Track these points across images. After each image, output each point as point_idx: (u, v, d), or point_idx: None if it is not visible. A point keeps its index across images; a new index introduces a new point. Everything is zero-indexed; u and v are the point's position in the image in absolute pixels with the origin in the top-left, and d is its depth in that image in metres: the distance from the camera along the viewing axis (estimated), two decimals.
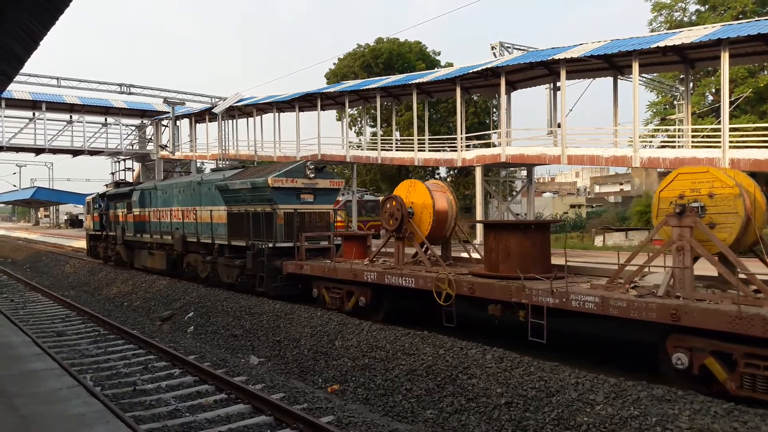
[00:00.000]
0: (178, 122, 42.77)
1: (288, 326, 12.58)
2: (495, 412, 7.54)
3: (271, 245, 15.26)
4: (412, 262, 13.45)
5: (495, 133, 25.77)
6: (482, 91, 28.34)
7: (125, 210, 24.85)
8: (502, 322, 10.34)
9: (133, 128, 48.36)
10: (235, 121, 37.81)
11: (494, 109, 31.62)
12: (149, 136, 47.35)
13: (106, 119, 45.69)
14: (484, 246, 11.18)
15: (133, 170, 49.92)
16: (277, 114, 34.37)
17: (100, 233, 28.08)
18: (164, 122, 44.15)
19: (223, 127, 35.75)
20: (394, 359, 9.70)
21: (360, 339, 10.81)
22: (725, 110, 18.07)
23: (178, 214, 20.64)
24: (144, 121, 47.78)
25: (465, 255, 13.88)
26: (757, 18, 22.54)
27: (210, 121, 39.52)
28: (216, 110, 34.97)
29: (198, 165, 42.91)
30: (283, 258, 15.16)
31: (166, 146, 42.48)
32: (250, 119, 36.33)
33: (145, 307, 17.70)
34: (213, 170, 21.50)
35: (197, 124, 41.74)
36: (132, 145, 47.60)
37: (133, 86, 42.10)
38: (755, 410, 6.44)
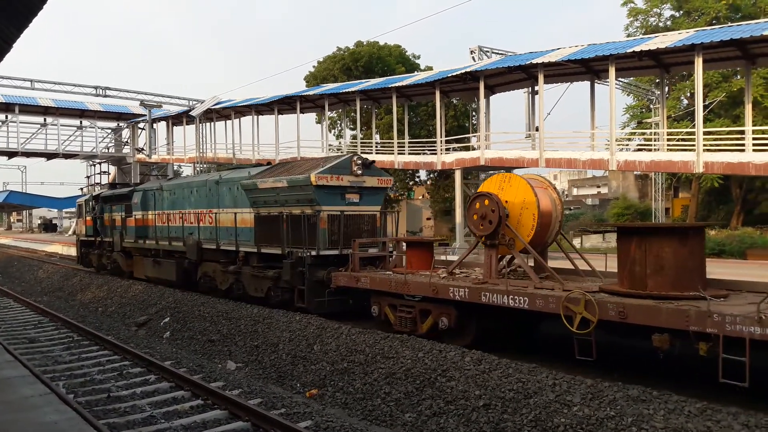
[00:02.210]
0: (154, 125, 42.33)
1: (266, 331, 12.47)
2: (473, 415, 7.54)
3: (313, 253, 13.29)
4: (502, 274, 11.14)
5: (474, 136, 25.91)
6: (461, 94, 28.50)
7: (123, 213, 22.53)
8: (667, 354, 7.94)
9: (109, 131, 47.74)
10: (213, 123, 37.55)
11: (473, 113, 31.81)
12: (125, 139, 46.78)
13: (81, 122, 45.01)
14: (620, 256, 9.00)
15: (109, 173, 49.24)
16: (255, 117, 34.19)
17: (93, 239, 25.36)
18: (141, 125, 43.66)
19: (200, 130, 35.42)
20: (373, 363, 9.66)
21: (339, 343, 10.75)
22: (699, 114, 18.38)
23: (190, 218, 18.43)
24: (120, 124, 47.18)
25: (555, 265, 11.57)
26: (729, 24, 22.97)
27: (187, 123, 39.16)
28: (194, 113, 34.62)
29: (175, 168, 42.48)
30: (328, 268, 13.25)
31: (142, 149, 42.02)
32: (228, 122, 36.09)
33: (120, 313, 17.44)
34: (231, 168, 19.45)
35: (174, 127, 41.34)
36: (108, 149, 46.99)
37: (109, 89, 41.56)
38: (728, 409, 6.53)
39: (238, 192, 16.02)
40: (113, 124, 47.69)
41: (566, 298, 8.59)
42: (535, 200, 10.55)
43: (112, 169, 49.11)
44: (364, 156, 14.74)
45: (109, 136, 47.76)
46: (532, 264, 10.97)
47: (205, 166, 35.41)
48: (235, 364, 11.48)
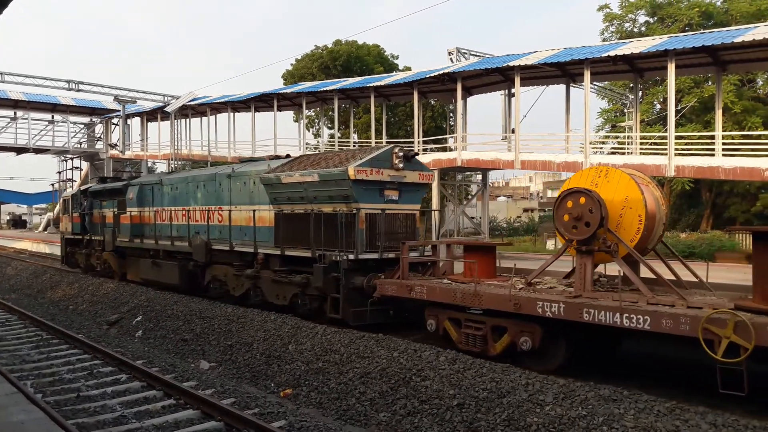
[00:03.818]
0: (128, 121, 41.71)
1: (240, 330, 12.37)
2: (447, 414, 7.57)
3: (351, 257, 11.93)
4: (598, 286, 9.71)
5: (451, 137, 26.03)
6: (439, 95, 28.61)
7: (116, 209, 20.82)
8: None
9: (82, 126, 46.92)
10: (188, 120, 37.11)
11: (451, 114, 31.96)
12: (98, 135, 46.01)
13: (53, 116, 44.19)
14: (757, 266, 7.68)
15: (81, 169, 48.40)
16: (232, 114, 33.88)
17: (80, 237, 23.26)
18: (114, 120, 42.98)
19: (175, 127, 35.01)
20: (348, 362, 9.65)
21: (314, 342, 10.71)
22: (671, 119, 18.73)
23: (196, 215, 16.85)
24: (93, 119, 46.41)
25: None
26: (702, 31, 23.45)
27: (162, 120, 38.68)
28: (169, 109, 34.25)
29: (149, 165, 41.92)
30: (369, 274, 11.85)
31: (116, 145, 41.36)
32: (204, 119, 35.71)
33: (91, 311, 17.14)
34: (243, 161, 17.76)
35: (149, 123, 40.79)
36: (80, 144, 46.19)
37: (82, 83, 40.91)
38: (695, 408, 6.67)
39: (255, 187, 14.65)
40: (86, 119, 46.91)
41: (707, 319, 7.06)
42: (641, 198, 9.02)
43: (85, 165, 48.30)
44: (406, 148, 13.28)
45: (82, 131, 46.96)
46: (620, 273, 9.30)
47: (180, 163, 34.99)
48: (208, 364, 11.37)
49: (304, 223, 13.03)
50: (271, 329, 11.86)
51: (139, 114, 40.59)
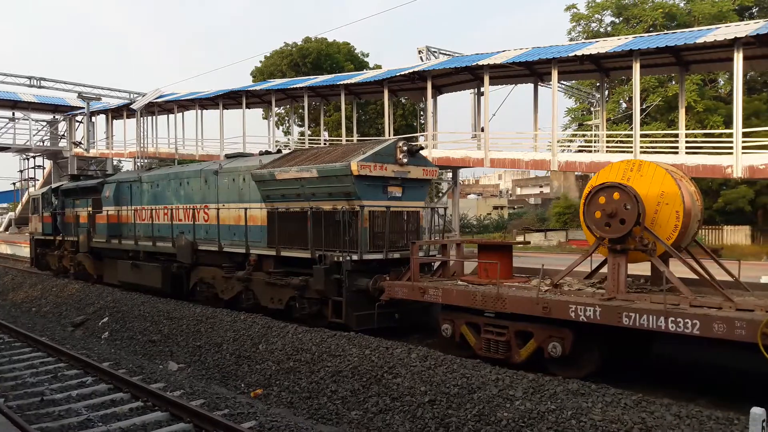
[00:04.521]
0: (93, 118, 40.83)
1: (209, 330, 12.22)
2: (419, 411, 7.60)
3: (354, 257, 11.33)
4: (633, 288, 9.08)
5: (422, 135, 26.11)
6: (410, 94, 28.68)
7: (91, 208, 19.77)
8: None
9: (44, 124, 45.75)
10: (154, 117, 36.50)
11: (421, 112, 32.05)
12: (62, 133, 44.92)
13: (14, 113, 42.93)
14: None
15: (44, 168, 47.25)
16: (199, 111, 33.44)
17: (52, 238, 22.15)
18: (78, 118, 42.01)
19: (142, 124, 34.39)
20: (319, 361, 9.61)
21: (285, 342, 10.64)
22: (636, 118, 19.11)
23: (180, 214, 16.03)
24: (56, 117, 45.28)
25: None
26: (665, 31, 23.96)
27: (128, 117, 37.94)
28: (135, 106, 33.61)
29: (115, 163, 41.11)
30: (374, 276, 11.22)
31: (80, 143, 40.46)
32: (171, 116, 35.17)
33: (55, 313, 16.74)
34: (229, 156, 16.77)
35: (114, 121, 39.98)
36: (43, 142, 45.04)
37: (45, 79, 39.78)
38: (660, 401, 6.82)
39: (245, 184, 13.94)
40: (49, 117, 45.73)
41: (767, 323, 6.57)
42: (678, 192, 8.47)
43: (48, 164, 47.14)
44: (411, 143, 12.69)
45: (45, 128, 45.79)
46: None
47: (146, 161, 34.38)
48: (176, 365, 11.20)
49: (300, 222, 12.41)
50: (240, 329, 11.74)
51: (104, 111, 39.75)
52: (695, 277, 8.83)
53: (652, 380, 8.60)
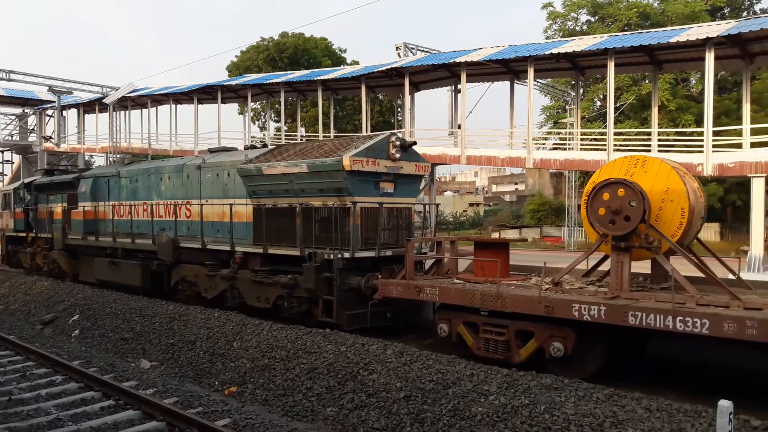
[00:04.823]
0: (64, 112, 40.05)
1: (182, 328, 12.07)
2: (394, 407, 7.60)
3: (346, 255, 11.04)
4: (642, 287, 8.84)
5: (399, 132, 26.13)
6: (387, 90, 28.67)
7: (66, 204, 19.13)
8: None
9: (13, 117, 44.71)
10: (127, 112, 35.95)
11: (399, 109, 32.10)
12: (32, 127, 43.96)
13: None
14: None
15: (13, 163, 46.23)
16: (174, 106, 33.01)
17: (24, 235, 21.58)
18: (49, 112, 41.16)
19: (114, 119, 33.83)
20: (294, 358, 9.56)
21: (260, 339, 10.56)
22: (611, 116, 19.36)
23: (161, 210, 15.60)
24: (26, 110, 44.28)
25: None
26: (639, 30, 24.30)
27: (100, 111, 37.32)
28: (107, 100, 33.08)
29: (87, 158, 40.39)
30: (367, 274, 10.98)
31: (50, 137, 39.64)
32: (145, 111, 34.67)
33: (24, 310, 16.38)
34: (212, 150, 16.24)
35: (86, 115, 39.27)
36: (11, 136, 44.00)
37: (14, 72, 38.81)
38: (632, 394, 6.92)
39: (230, 179, 13.58)
40: (18, 110, 44.71)
41: None
42: (683, 189, 8.34)
43: (17, 158, 46.12)
44: (403, 138, 12.51)
45: (14, 122, 44.75)
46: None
47: (118, 156, 33.85)
48: (149, 363, 11.05)
49: (288, 218, 12.13)
50: (214, 327, 11.63)
51: (76, 105, 39.03)
52: (701, 275, 8.71)
53: (651, 379, 8.48)
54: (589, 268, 10.08)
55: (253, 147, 15.30)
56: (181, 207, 14.99)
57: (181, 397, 8.54)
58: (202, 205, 14.24)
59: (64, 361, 10.28)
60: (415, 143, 12.69)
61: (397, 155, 11.78)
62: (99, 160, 48.94)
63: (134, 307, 13.92)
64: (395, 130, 26.63)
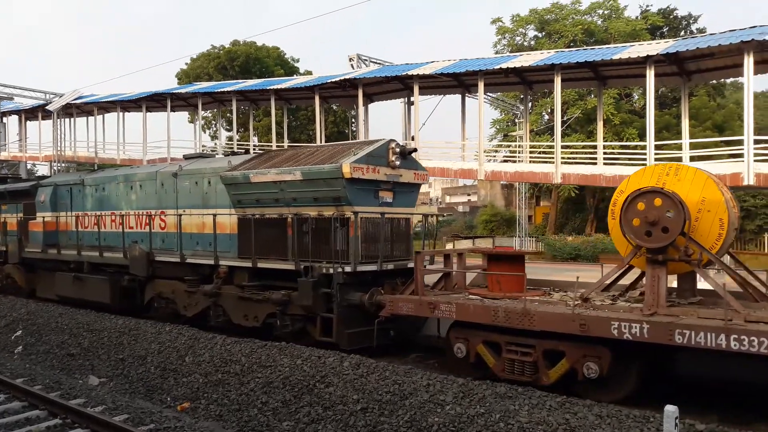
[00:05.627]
0: (5, 119, 38.48)
1: (133, 343, 11.76)
2: (351, 419, 7.61)
3: (348, 269, 10.34)
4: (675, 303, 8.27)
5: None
6: (341, 101, 28.76)
7: (22, 214, 18.11)
8: None
9: None
10: (72, 119, 34.84)
11: (353, 120, 32.19)
12: None
13: None
14: None
15: None
16: (121, 113, 32.20)
17: None
18: None
19: (59, 126, 32.73)
20: (249, 372, 9.44)
21: (213, 354, 10.39)
22: (558, 129, 19.96)
23: (132, 221, 14.66)
24: None
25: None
26: (585, 47, 25.19)
27: (44, 119, 36.04)
28: (51, 107, 31.97)
29: (29, 167, 38.88)
30: (371, 290, 10.39)
31: None
32: (91, 118, 33.68)
33: None
34: (187, 157, 15.21)
35: (28, 122, 37.86)
36: None
37: None
38: (583, 402, 7.14)
39: (210, 187, 12.75)
40: None
41: None
42: (722, 199, 7.90)
43: None
44: (403, 144, 11.96)
45: None
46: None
47: (63, 165, 32.74)
48: (98, 379, 10.71)
49: (278, 229, 11.38)
50: (166, 341, 11.38)
51: (17, 112, 37.60)
52: (738, 289, 8.36)
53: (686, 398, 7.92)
54: (604, 281, 9.29)
55: (234, 153, 14.60)
56: (155, 218, 14.10)
57: (132, 414, 8.32)
58: (180, 215, 13.35)
59: (6, 379, 9.86)
60: (415, 150, 12.22)
61: (397, 162, 11.23)
62: (42, 169, 47.17)
63: (81, 321, 13.47)
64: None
